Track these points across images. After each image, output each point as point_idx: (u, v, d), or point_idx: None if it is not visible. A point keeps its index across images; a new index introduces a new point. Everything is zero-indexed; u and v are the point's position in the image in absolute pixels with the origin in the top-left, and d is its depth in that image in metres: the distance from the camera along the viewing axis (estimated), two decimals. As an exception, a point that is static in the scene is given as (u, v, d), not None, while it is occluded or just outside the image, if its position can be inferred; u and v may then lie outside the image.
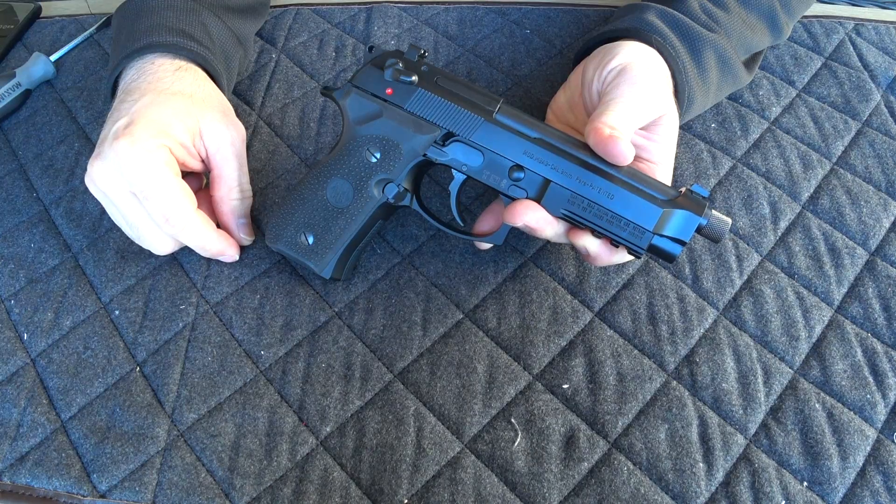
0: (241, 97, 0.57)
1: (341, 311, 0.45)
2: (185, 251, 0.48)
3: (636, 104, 0.39)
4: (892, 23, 0.60)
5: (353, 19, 0.62)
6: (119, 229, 0.49)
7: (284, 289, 0.46)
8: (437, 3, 0.63)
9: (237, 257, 0.46)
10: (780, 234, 0.47)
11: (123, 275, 0.47)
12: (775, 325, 0.43)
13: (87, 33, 0.63)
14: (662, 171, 0.42)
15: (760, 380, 0.41)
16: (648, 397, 0.41)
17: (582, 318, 0.44)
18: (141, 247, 0.48)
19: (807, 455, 0.39)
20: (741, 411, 0.40)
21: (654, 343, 0.42)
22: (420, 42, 0.59)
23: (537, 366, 0.42)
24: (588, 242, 0.39)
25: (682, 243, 0.38)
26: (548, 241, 0.47)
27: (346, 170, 0.41)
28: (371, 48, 0.43)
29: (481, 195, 0.50)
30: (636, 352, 0.42)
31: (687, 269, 0.45)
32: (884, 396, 0.40)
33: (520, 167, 0.39)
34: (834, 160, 0.51)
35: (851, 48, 0.58)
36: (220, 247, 0.45)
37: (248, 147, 0.53)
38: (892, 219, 0.48)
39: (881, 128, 0.53)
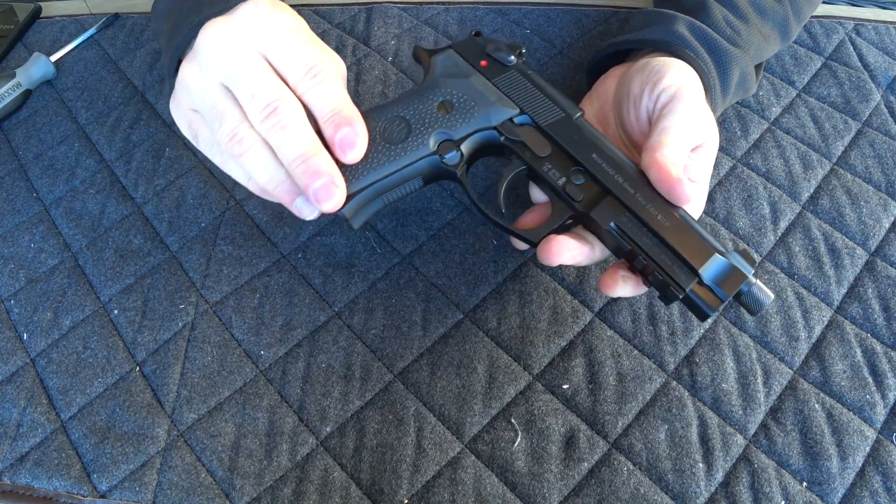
0: (241, 97, 0.56)
1: (341, 311, 0.45)
2: (185, 249, 0.48)
3: (692, 134, 0.38)
4: (892, 23, 0.60)
5: (353, 19, 0.62)
6: (118, 228, 0.50)
7: (284, 288, 0.46)
8: (437, 3, 0.63)
9: (342, 200, 0.36)
10: (779, 234, 0.47)
11: (122, 274, 0.47)
12: (775, 325, 0.43)
13: (87, 33, 0.63)
14: (699, 190, 0.39)
15: (760, 380, 0.41)
16: (648, 397, 0.41)
17: (582, 318, 0.44)
18: (140, 246, 0.48)
19: (806, 455, 0.39)
20: (741, 411, 0.40)
21: (654, 343, 0.42)
22: (420, 42, 0.59)
23: (537, 366, 0.42)
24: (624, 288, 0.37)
25: (722, 300, 0.35)
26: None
27: (413, 110, 0.40)
28: (477, 33, 0.44)
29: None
30: (636, 352, 0.42)
31: (687, 270, 0.45)
32: (883, 397, 0.40)
33: (583, 171, 0.38)
34: (834, 160, 0.51)
35: (851, 48, 0.58)
36: (329, 169, 0.35)
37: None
38: (892, 219, 0.48)
39: (881, 128, 0.53)
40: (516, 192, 0.47)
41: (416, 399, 0.41)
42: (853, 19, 0.60)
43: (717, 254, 0.35)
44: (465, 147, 0.40)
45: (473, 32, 0.44)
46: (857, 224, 0.47)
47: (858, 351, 0.42)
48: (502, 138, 0.39)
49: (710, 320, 0.39)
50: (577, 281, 0.45)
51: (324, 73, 0.36)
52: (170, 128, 0.55)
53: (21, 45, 0.64)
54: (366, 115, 0.39)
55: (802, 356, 0.42)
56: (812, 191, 0.49)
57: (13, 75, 0.57)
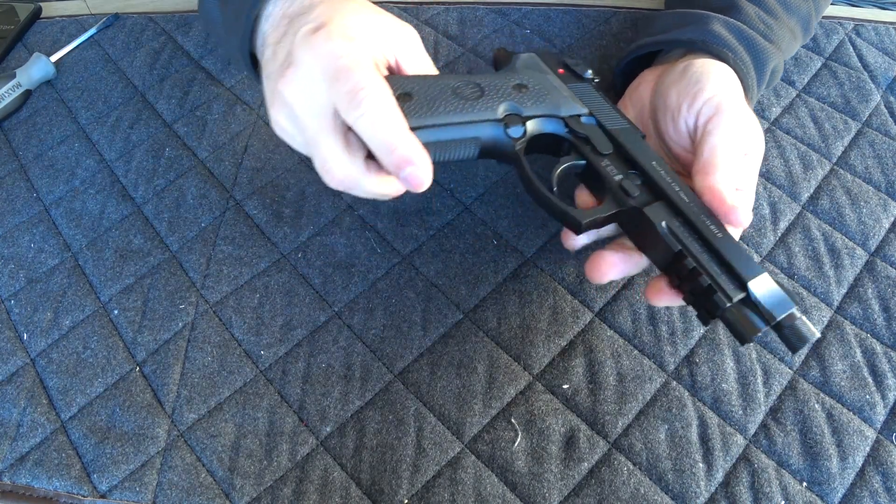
0: (241, 97, 0.57)
1: (341, 311, 0.45)
2: (185, 249, 0.48)
3: (740, 148, 0.37)
4: (891, 23, 0.60)
5: (353, 19, 0.62)
6: (118, 228, 0.50)
7: (284, 288, 0.46)
8: (438, 3, 0.63)
9: (428, 180, 0.34)
10: (779, 234, 0.47)
11: (122, 274, 0.47)
12: (775, 325, 0.43)
13: (87, 34, 0.63)
14: (747, 199, 0.38)
15: (760, 380, 0.41)
16: (648, 397, 0.41)
17: (582, 318, 0.44)
18: (140, 246, 0.48)
19: (806, 455, 0.39)
20: (741, 411, 0.40)
21: (654, 343, 0.42)
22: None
23: (537, 366, 0.42)
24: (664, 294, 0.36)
25: (767, 322, 0.32)
26: (548, 241, 0.47)
27: (489, 81, 0.40)
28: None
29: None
30: (636, 352, 0.42)
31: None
32: (883, 397, 0.40)
33: (642, 173, 0.38)
34: (834, 160, 0.51)
35: (851, 49, 0.58)
36: (412, 149, 0.33)
37: (248, 146, 0.53)
38: (892, 219, 0.48)
39: (881, 128, 0.53)
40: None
41: (416, 399, 0.41)
42: (853, 20, 0.60)
43: (767, 274, 0.33)
44: (530, 125, 0.39)
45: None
46: (856, 224, 0.47)
47: (858, 351, 0.42)
48: (567, 130, 0.40)
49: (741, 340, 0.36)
50: (577, 281, 0.45)
51: (365, 92, 0.33)
52: (170, 128, 0.55)
53: (21, 46, 0.64)
54: (443, 75, 0.39)
55: (802, 356, 0.42)
56: (812, 191, 0.49)
57: (13, 75, 0.57)
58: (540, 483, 0.38)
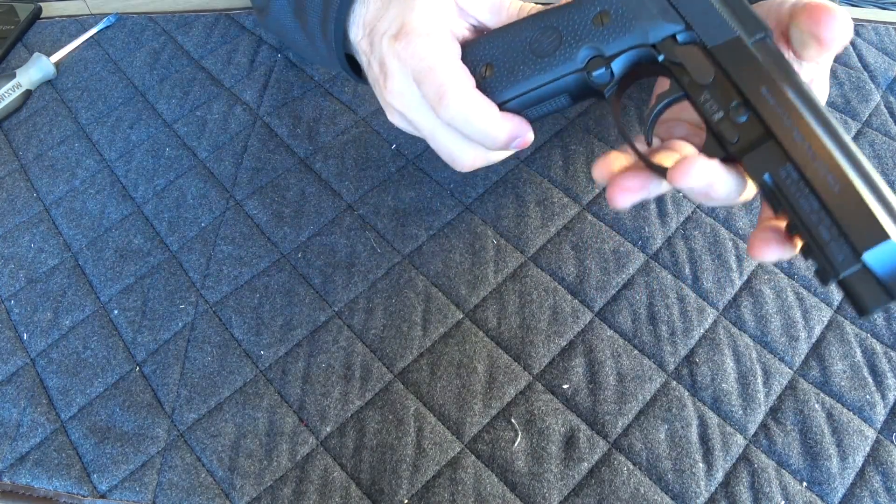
0: (241, 97, 0.57)
1: (341, 311, 0.45)
2: (185, 249, 0.48)
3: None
4: (891, 23, 0.60)
5: (353, 19, 0.62)
6: (118, 228, 0.50)
7: (284, 288, 0.46)
8: (437, 3, 0.63)
9: (531, 137, 0.36)
10: (779, 234, 0.47)
11: (122, 274, 0.47)
12: (775, 325, 0.43)
13: (87, 34, 0.63)
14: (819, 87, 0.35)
15: (760, 380, 0.41)
16: (648, 397, 0.41)
17: (582, 318, 0.44)
18: (140, 246, 0.48)
19: (806, 455, 0.39)
20: (741, 411, 0.40)
21: (654, 343, 0.42)
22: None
23: (537, 366, 0.42)
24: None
25: (888, 296, 0.27)
26: (548, 241, 0.47)
27: (565, 21, 0.36)
28: None
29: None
30: (636, 352, 0.42)
31: (687, 269, 0.45)
32: (883, 397, 0.40)
33: (747, 106, 0.31)
34: (834, 160, 0.51)
35: (851, 48, 0.58)
36: (509, 128, 0.35)
37: (248, 146, 0.53)
38: (892, 219, 0.48)
39: (881, 128, 0.53)
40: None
41: (416, 399, 0.41)
42: (853, 19, 0.60)
43: (893, 239, 0.28)
44: (616, 66, 0.35)
45: None
46: (856, 224, 0.47)
47: (858, 351, 0.42)
48: (660, 58, 0.34)
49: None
50: (577, 281, 0.45)
51: (447, 94, 0.34)
52: (170, 128, 0.55)
53: (21, 46, 0.64)
54: (519, 24, 0.36)
55: (802, 356, 0.42)
56: (812, 191, 0.49)
57: (13, 75, 0.57)
58: (540, 483, 0.38)
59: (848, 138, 0.30)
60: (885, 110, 0.54)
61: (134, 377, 0.43)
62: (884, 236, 0.27)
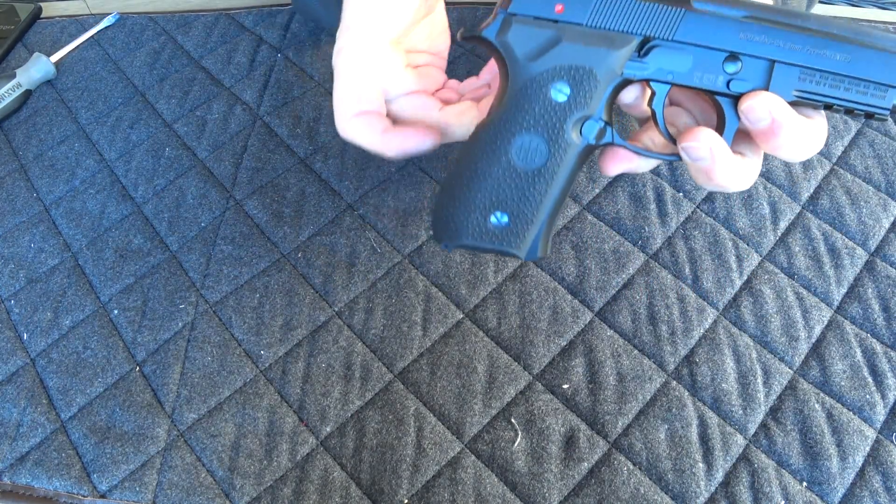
0: (240, 97, 0.57)
1: (341, 311, 0.45)
2: (185, 249, 0.48)
3: None
4: (891, 23, 0.60)
5: (353, 19, 0.62)
6: (118, 228, 0.50)
7: (284, 288, 0.46)
8: (437, 3, 0.63)
9: (428, 145, 0.37)
10: (779, 234, 0.47)
11: (122, 274, 0.47)
12: (775, 325, 0.43)
13: (87, 34, 0.63)
14: None
15: (760, 380, 0.41)
16: (648, 397, 0.41)
17: (582, 318, 0.44)
18: (140, 246, 0.48)
19: (806, 455, 0.39)
20: (741, 411, 0.40)
21: (654, 343, 0.42)
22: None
23: (537, 366, 0.42)
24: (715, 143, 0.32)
25: None
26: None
27: (532, 120, 0.34)
28: None
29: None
30: (636, 352, 0.42)
31: (687, 269, 0.45)
32: (883, 397, 0.40)
33: (736, 56, 0.33)
34: (834, 160, 0.51)
35: (851, 48, 0.58)
36: (395, 146, 0.36)
37: (248, 146, 0.53)
38: (892, 219, 0.48)
39: (881, 128, 0.53)
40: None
41: (416, 399, 0.41)
42: (853, 20, 0.60)
43: None
44: (605, 112, 0.34)
45: None
46: (856, 224, 0.47)
47: (858, 351, 0.42)
48: (636, 77, 0.33)
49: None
50: (577, 281, 0.45)
51: (335, 117, 0.37)
52: (170, 128, 0.55)
53: (21, 46, 0.64)
54: (483, 153, 0.34)
55: (802, 356, 0.42)
56: (812, 191, 0.49)
57: (13, 75, 0.57)
58: (540, 483, 0.38)
59: (820, 17, 0.33)
60: None
61: (134, 377, 0.43)
62: None
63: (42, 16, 0.67)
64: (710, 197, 0.49)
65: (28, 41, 0.64)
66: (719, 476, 0.38)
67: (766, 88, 0.32)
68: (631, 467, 0.38)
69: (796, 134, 0.32)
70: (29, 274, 0.48)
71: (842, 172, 0.50)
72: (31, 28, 0.65)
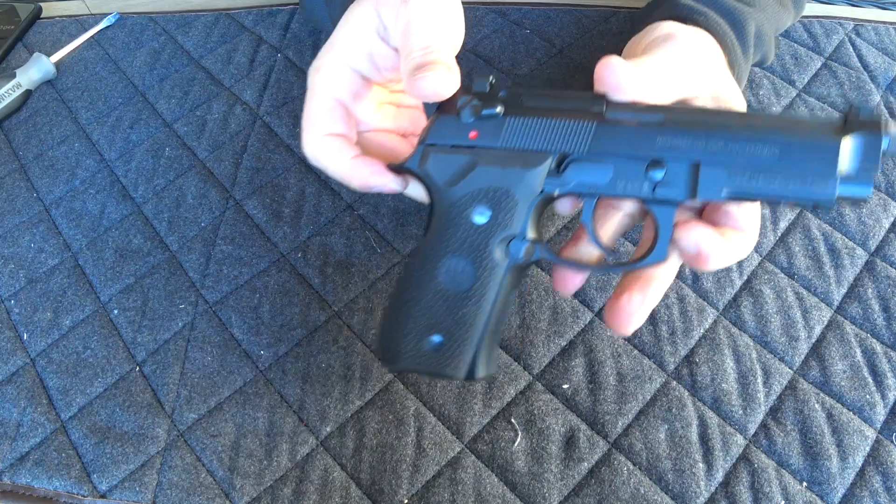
0: (241, 97, 0.57)
1: (341, 311, 0.45)
2: (185, 249, 0.48)
3: (664, 58, 0.33)
4: (891, 23, 0.60)
5: (353, 19, 0.62)
6: (118, 228, 0.50)
7: (284, 288, 0.46)
8: (437, 3, 0.63)
9: (395, 187, 0.36)
10: (779, 234, 0.47)
11: (122, 274, 0.47)
12: (775, 325, 0.43)
13: (87, 34, 0.63)
14: None
15: (760, 380, 0.41)
16: (648, 397, 0.41)
17: (582, 318, 0.44)
18: (140, 245, 0.48)
19: (806, 455, 0.39)
20: (741, 411, 0.40)
21: (654, 343, 0.42)
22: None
23: (537, 366, 0.42)
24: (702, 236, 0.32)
25: (870, 177, 0.30)
26: (548, 240, 0.47)
27: (455, 244, 0.34)
28: (439, 107, 0.35)
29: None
30: (636, 352, 0.42)
31: (687, 269, 0.45)
32: (883, 397, 0.40)
33: (658, 162, 0.32)
34: (834, 160, 0.51)
35: (851, 48, 0.58)
36: (361, 177, 0.35)
37: (248, 146, 0.53)
38: (892, 219, 0.48)
39: (881, 128, 0.52)
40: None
41: (416, 399, 0.41)
42: (853, 19, 0.60)
43: (841, 139, 0.30)
44: (530, 230, 0.34)
45: (424, 104, 0.36)
46: (857, 224, 0.47)
47: (858, 351, 0.42)
48: (556, 193, 0.33)
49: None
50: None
51: (302, 136, 0.36)
52: (170, 128, 0.55)
53: (21, 46, 0.64)
54: (412, 280, 0.35)
55: (802, 356, 0.42)
56: (812, 191, 0.49)
57: (13, 75, 0.57)
58: (540, 483, 0.38)
59: (745, 114, 0.32)
60: (885, 110, 0.54)
61: (134, 377, 0.43)
62: (836, 143, 0.30)
63: (42, 16, 0.67)
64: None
65: (28, 41, 0.64)
66: (719, 476, 0.38)
67: (696, 190, 0.31)
68: (631, 467, 0.38)
69: (724, 259, 0.32)
70: (29, 274, 0.48)
71: (842, 172, 0.50)
72: (31, 28, 0.65)
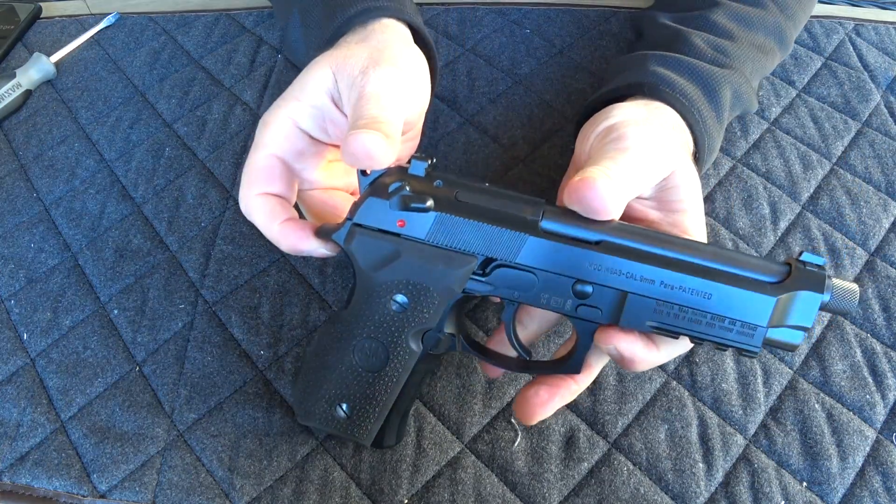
0: (241, 97, 0.57)
1: (341, 311, 0.45)
2: (184, 249, 0.48)
3: (626, 163, 0.32)
4: (892, 23, 0.60)
5: (353, 19, 0.62)
6: (118, 228, 0.50)
7: (283, 288, 0.46)
8: (438, 3, 0.63)
9: (323, 252, 0.36)
10: (779, 234, 0.47)
11: (122, 274, 0.47)
12: (775, 325, 0.43)
13: (87, 34, 0.63)
14: (695, 235, 0.35)
15: (760, 380, 0.41)
16: (648, 397, 0.41)
17: (582, 319, 0.44)
18: (139, 245, 0.48)
19: (806, 455, 0.39)
20: (741, 411, 0.40)
21: (654, 343, 0.42)
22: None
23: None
24: (627, 345, 0.32)
25: (805, 329, 0.31)
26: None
27: (371, 327, 0.34)
28: (364, 172, 0.34)
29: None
30: (636, 352, 0.42)
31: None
32: (883, 397, 0.40)
33: (586, 282, 0.32)
34: (834, 160, 0.51)
35: (851, 48, 0.58)
36: (288, 243, 0.35)
37: (247, 146, 0.53)
38: (892, 219, 0.48)
39: (881, 128, 0.53)
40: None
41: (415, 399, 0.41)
42: (853, 19, 0.60)
43: (779, 296, 0.30)
44: (448, 325, 0.35)
45: (359, 171, 0.34)
46: (857, 224, 0.47)
47: (858, 351, 0.42)
48: (478, 295, 0.34)
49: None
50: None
51: (240, 191, 0.37)
52: (170, 128, 0.55)
53: (21, 45, 0.64)
54: (331, 349, 0.35)
55: (802, 356, 0.42)
56: (812, 191, 0.49)
57: (13, 75, 0.57)
58: (540, 483, 0.38)
59: (687, 243, 0.32)
60: (885, 110, 0.54)
61: (134, 377, 0.43)
62: (769, 302, 0.30)
63: (42, 16, 0.67)
64: (710, 197, 0.49)
65: (28, 41, 0.64)
66: (719, 476, 0.38)
67: (619, 317, 0.31)
68: (631, 467, 0.38)
69: (650, 363, 0.33)
70: (29, 274, 0.48)
71: (842, 172, 0.50)
72: (31, 28, 0.65)
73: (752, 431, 0.40)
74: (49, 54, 0.60)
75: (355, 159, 0.31)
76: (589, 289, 0.32)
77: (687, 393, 0.41)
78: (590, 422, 0.40)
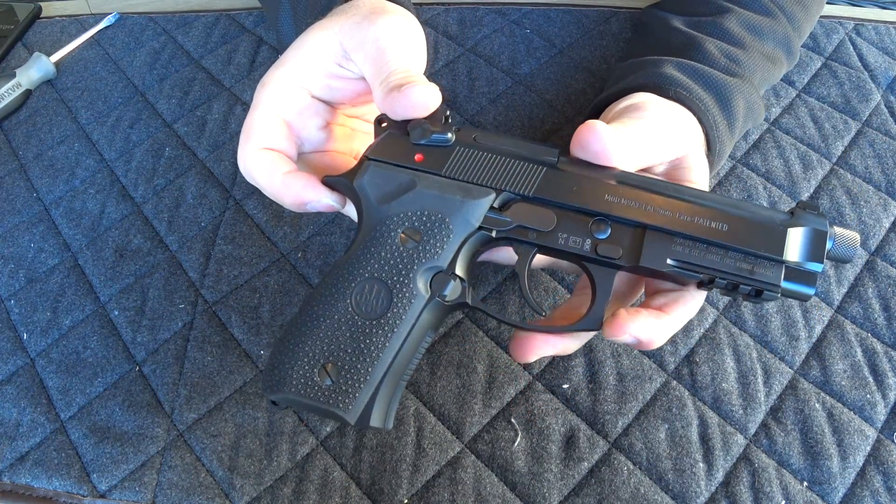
0: (241, 97, 0.57)
1: (341, 311, 0.45)
2: (184, 250, 0.48)
3: (638, 125, 0.33)
4: (892, 23, 0.60)
5: (353, 19, 0.62)
6: (118, 228, 0.50)
7: (283, 287, 0.46)
8: (437, 3, 0.63)
9: (330, 202, 0.34)
10: (780, 234, 0.47)
11: (121, 273, 0.47)
12: (775, 324, 0.43)
13: (87, 34, 0.63)
14: None
15: (760, 380, 0.41)
16: (648, 397, 0.41)
17: (582, 318, 0.44)
18: (139, 245, 0.48)
19: (807, 455, 0.39)
20: (741, 411, 0.40)
21: (654, 343, 0.42)
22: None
23: (537, 365, 0.42)
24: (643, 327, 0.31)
25: (819, 262, 0.31)
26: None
27: (375, 264, 0.31)
28: (380, 120, 0.34)
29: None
30: (636, 351, 0.42)
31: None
32: (884, 396, 0.40)
33: (604, 219, 0.31)
34: (834, 160, 0.51)
35: (851, 48, 0.58)
36: (293, 193, 0.34)
37: (248, 147, 0.53)
38: (892, 219, 0.48)
39: (881, 128, 0.53)
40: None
41: (416, 399, 0.41)
42: (853, 19, 0.60)
43: (789, 229, 0.31)
44: (459, 268, 0.32)
45: (375, 120, 0.34)
46: (857, 224, 0.47)
47: (859, 350, 0.42)
48: (494, 233, 0.32)
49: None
50: (576, 280, 0.45)
51: (239, 149, 0.36)
52: (170, 128, 0.55)
53: (21, 45, 0.64)
54: (320, 296, 0.32)
55: (803, 356, 0.42)
56: (812, 191, 0.49)
57: (13, 75, 0.57)
58: (540, 483, 0.38)
59: (692, 188, 0.33)
60: (885, 110, 0.54)
61: (134, 377, 0.43)
62: (784, 233, 0.30)
63: (42, 15, 0.67)
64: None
65: (28, 41, 0.64)
66: (719, 476, 0.38)
67: (639, 255, 0.31)
68: (631, 467, 0.38)
69: (666, 334, 0.32)
70: (29, 274, 0.48)
71: (842, 172, 0.50)
72: (31, 28, 0.65)
73: (752, 431, 0.40)
74: (49, 54, 0.60)
75: (410, 109, 0.32)
76: (607, 228, 0.31)
77: (687, 392, 0.41)
78: (590, 421, 0.40)
